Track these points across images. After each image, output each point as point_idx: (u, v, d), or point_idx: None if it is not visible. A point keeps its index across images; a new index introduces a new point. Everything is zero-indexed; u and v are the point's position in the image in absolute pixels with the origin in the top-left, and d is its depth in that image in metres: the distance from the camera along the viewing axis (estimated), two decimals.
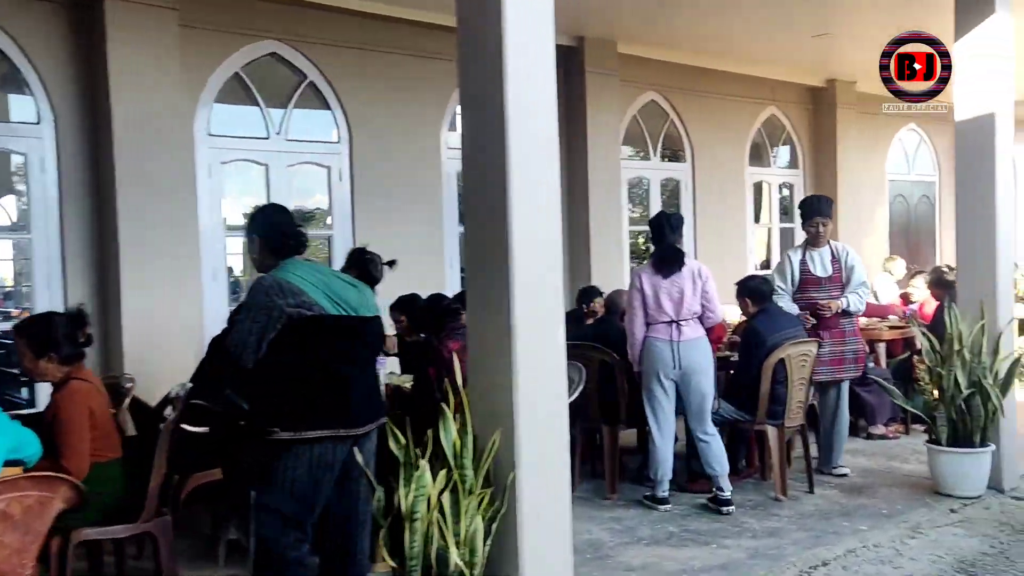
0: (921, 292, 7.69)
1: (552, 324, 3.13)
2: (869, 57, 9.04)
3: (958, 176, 5.67)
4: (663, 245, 5.12)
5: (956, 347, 5.21)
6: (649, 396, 5.11)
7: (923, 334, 5.48)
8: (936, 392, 5.30)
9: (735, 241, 9.51)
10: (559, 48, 7.58)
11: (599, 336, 5.64)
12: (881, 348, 7.23)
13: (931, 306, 7.15)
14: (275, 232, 3.22)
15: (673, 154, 9.19)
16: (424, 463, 2.76)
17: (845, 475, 5.65)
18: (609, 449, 5.43)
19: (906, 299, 7.98)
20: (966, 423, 5.17)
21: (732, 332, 6.59)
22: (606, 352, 5.39)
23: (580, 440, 5.56)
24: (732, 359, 5.96)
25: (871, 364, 6.94)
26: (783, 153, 10.36)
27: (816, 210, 5.69)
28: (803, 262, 5.69)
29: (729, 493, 4.97)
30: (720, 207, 9.21)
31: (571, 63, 7.68)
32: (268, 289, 3.00)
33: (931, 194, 12.15)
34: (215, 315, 5.68)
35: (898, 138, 11.67)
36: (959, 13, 5.47)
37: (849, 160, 10.30)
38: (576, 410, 5.46)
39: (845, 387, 5.76)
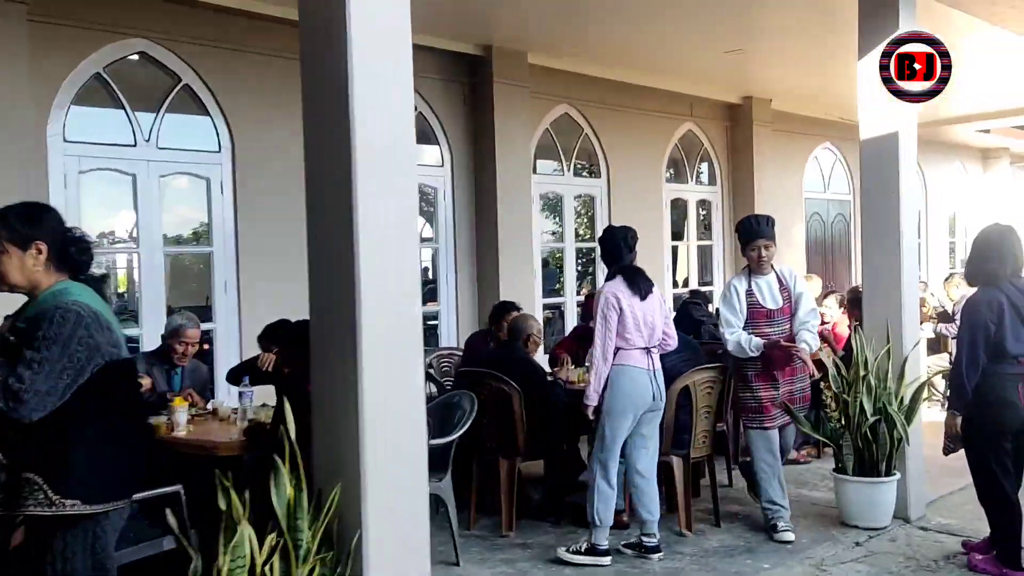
0: (833, 312, 7.58)
1: (408, 360, 2.77)
2: (783, 75, 9.10)
3: (863, 196, 5.54)
4: (624, 264, 4.68)
5: (862, 372, 5.05)
6: (615, 432, 4.48)
7: (832, 358, 5.32)
8: (842, 419, 5.12)
9: (653, 259, 9.30)
10: (465, 57, 7.49)
11: (498, 362, 5.30)
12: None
13: (844, 327, 7.04)
14: (64, 238, 2.56)
15: (588, 169, 8.96)
16: (243, 527, 2.35)
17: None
18: (506, 484, 5.08)
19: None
20: (872, 451, 5.00)
21: None
22: (504, 380, 5.05)
23: (477, 474, 5.22)
24: None
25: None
26: (702, 169, 10.24)
27: (756, 232, 4.96)
28: (750, 292, 4.97)
29: (658, 539, 4.61)
30: (637, 224, 8.95)
31: (479, 73, 7.39)
32: (86, 321, 2.44)
33: (847, 213, 12.24)
34: None
35: (814, 156, 11.72)
36: (863, 31, 5.37)
37: (766, 178, 10.26)
38: (474, 442, 5.20)
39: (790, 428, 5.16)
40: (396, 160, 2.75)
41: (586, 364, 5.11)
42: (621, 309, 4.49)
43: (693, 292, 8.17)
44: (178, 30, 5.73)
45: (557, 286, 8.81)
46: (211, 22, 5.84)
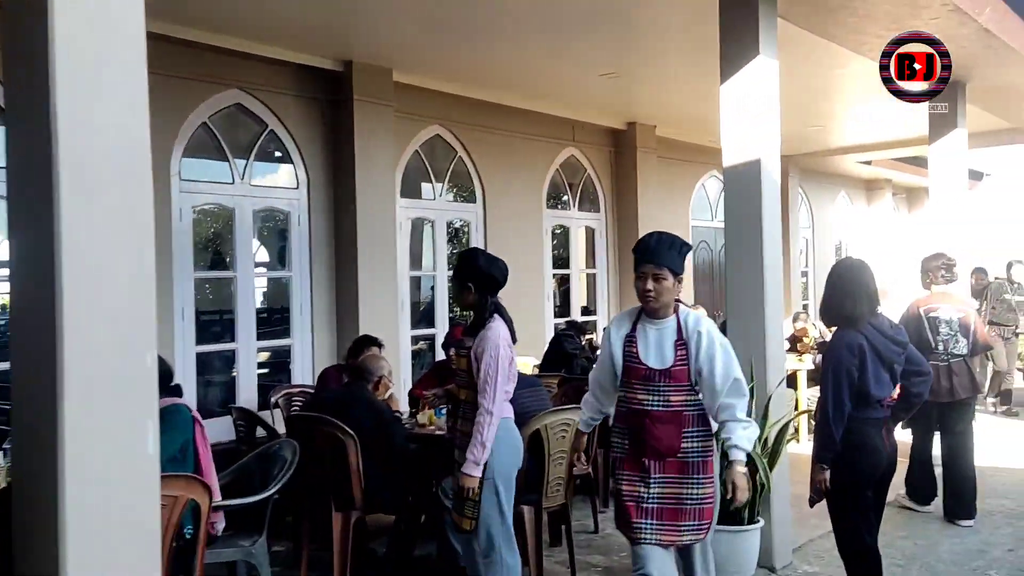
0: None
1: (137, 425, 2.24)
2: (666, 101, 8.94)
3: (726, 226, 5.29)
4: (498, 301, 3.97)
5: None
6: (511, 496, 3.86)
7: None
8: None
9: (532, 288, 8.96)
10: (324, 73, 7.01)
11: (339, 403, 4.78)
12: None
13: None
14: None
15: (463, 193, 8.56)
16: None
17: None
18: (339, 540, 4.53)
19: None
20: None
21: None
22: (337, 426, 4.53)
23: (308, 529, 4.69)
24: None
25: None
26: (585, 196, 9.98)
27: (645, 252, 3.41)
28: (630, 339, 3.46)
29: None
30: (516, 251, 8.62)
31: (338, 90, 6.89)
32: None
33: None
34: None
35: (701, 184, 11.65)
36: (723, 56, 5.14)
37: (651, 205, 10.08)
38: (308, 493, 4.67)
39: (697, 552, 3.53)
40: (120, 178, 2.24)
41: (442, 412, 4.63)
42: (511, 358, 3.85)
43: (569, 323, 7.85)
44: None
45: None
46: None
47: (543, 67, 7.41)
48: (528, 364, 7.19)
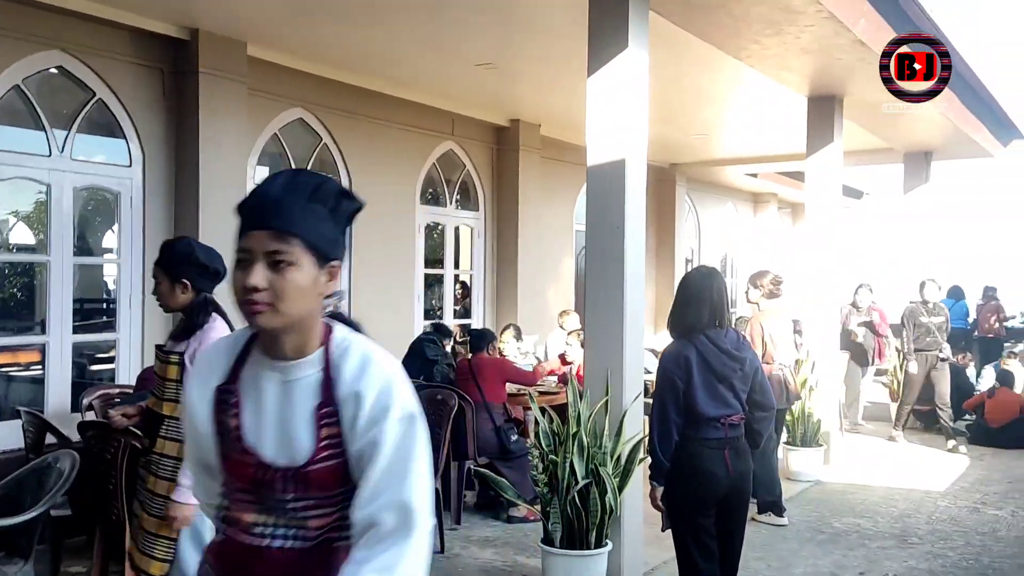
0: (577, 351, 7.06)
1: None
2: (550, 100, 8.63)
3: (588, 231, 4.96)
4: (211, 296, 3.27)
5: (573, 429, 4.42)
6: None
7: (542, 410, 4.65)
8: (548, 483, 4.45)
9: (401, 289, 8.47)
10: (164, 40, 6.29)
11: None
12: (532, 416, 6.44)
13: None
14: None
15: None
16: None
17: None
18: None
19: (564, 359, 7.34)
20: (582, 520, 4.37)
21: None
22: (133, 434, 3.94)
23: (100, 546, 4.10)
24: None
25: (515, 436, 6.13)
26: (464, 193, 9.56)
27: (254, 210, 1.58)
28: (224, 400, 1.61)
29: None
30: (384, 249, 8.13)
31: (180, 60, 6.22)
32: None
33: None
34: None
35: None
36: (591, 48, 4.82)
37: (533, 206, 9.75)
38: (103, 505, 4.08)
39: None
40: None
41: None
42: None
43: (435, 326, 7.40)
44: None
45: None
46: None
47: (413, 53, 6.95)
48: None
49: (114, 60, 5.98)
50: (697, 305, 3.51)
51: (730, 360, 3.50)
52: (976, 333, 13.33)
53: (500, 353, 7.26)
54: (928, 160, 10.78)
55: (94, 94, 5.92)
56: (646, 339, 11.60)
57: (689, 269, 3.88)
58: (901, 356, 9.12)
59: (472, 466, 5.87)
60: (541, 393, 6.54)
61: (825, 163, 7.84)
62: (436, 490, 5.22)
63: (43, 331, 5.78)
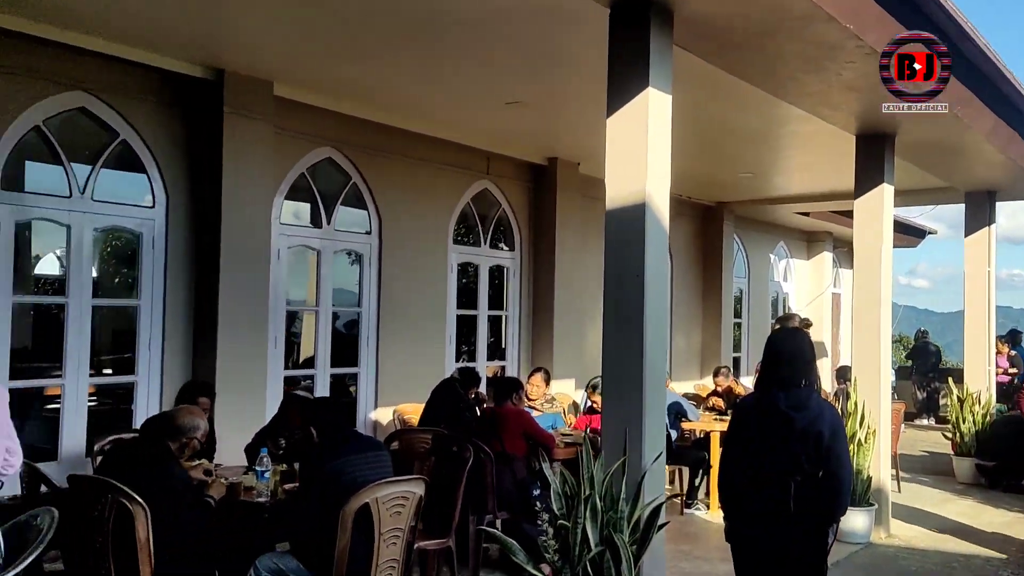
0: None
1: None
2: (588, 138, 8.40)
3: (606, 277, 4.69)
4: None
5: (586, 492, 4.11)
6: None
7: (559, 467, 4.37)
8: (559, 550, 4.14)
9: (433, 329, 8.29)
10: (190, 81, 6.31)
11: (127, 463, 4.05)
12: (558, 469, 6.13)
13: None
14: None
15: (358, 221, 7.87)
16: None
17: None
18: None
19: (587, 418, 7.02)
20: None
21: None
22: (123, 492, 3.78)
23: None
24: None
25: (538, 491, 5.83)
26: (499, 233, 9.37)
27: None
28: None
29: None
30: (414, 288, 7.98)
31: (205, 100, 6.19)
32: None
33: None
34: None
35: None
36: (610, 88, 4.59)
37: (570, 245, 9.49)
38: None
39: None
40: None
41: None
42: None
43: (461, 370, 7.16)
44: None
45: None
46: None
47: (441, 92, 6.82)
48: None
49: (138, 100, 5.99)
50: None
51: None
52: None
53: (528, 396, 7.00)
54: (992, 200, 10.22)
55: (117, 135, 5.93)
56: (690, 383, 11.26)
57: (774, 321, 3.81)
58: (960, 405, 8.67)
59: (494, 520, 5.58)
60: (568, 444, 6.25)
61: (874, 204, 7.42)
62: (450, 546, 4.96)
63: (60, 374, 5.73)
